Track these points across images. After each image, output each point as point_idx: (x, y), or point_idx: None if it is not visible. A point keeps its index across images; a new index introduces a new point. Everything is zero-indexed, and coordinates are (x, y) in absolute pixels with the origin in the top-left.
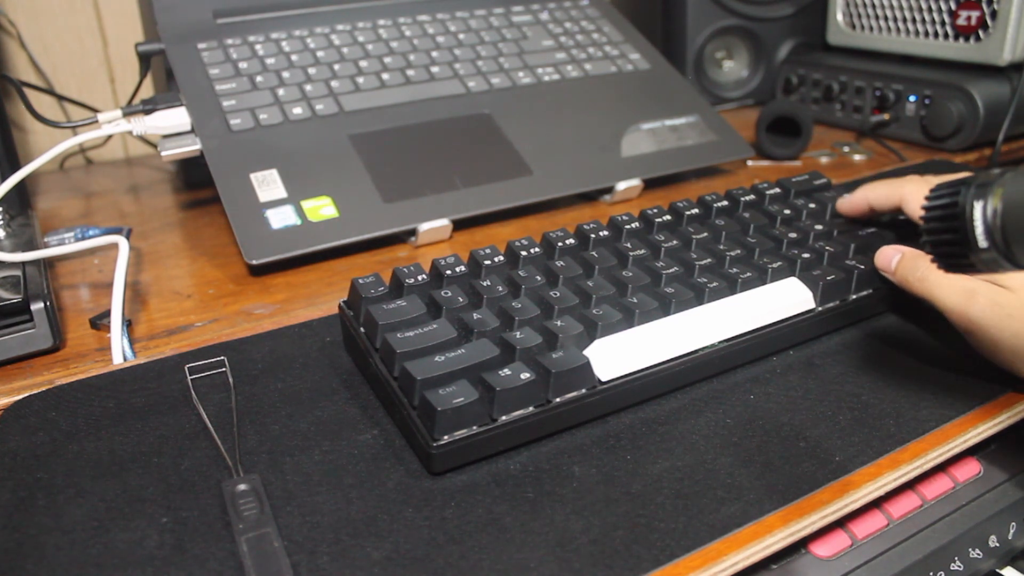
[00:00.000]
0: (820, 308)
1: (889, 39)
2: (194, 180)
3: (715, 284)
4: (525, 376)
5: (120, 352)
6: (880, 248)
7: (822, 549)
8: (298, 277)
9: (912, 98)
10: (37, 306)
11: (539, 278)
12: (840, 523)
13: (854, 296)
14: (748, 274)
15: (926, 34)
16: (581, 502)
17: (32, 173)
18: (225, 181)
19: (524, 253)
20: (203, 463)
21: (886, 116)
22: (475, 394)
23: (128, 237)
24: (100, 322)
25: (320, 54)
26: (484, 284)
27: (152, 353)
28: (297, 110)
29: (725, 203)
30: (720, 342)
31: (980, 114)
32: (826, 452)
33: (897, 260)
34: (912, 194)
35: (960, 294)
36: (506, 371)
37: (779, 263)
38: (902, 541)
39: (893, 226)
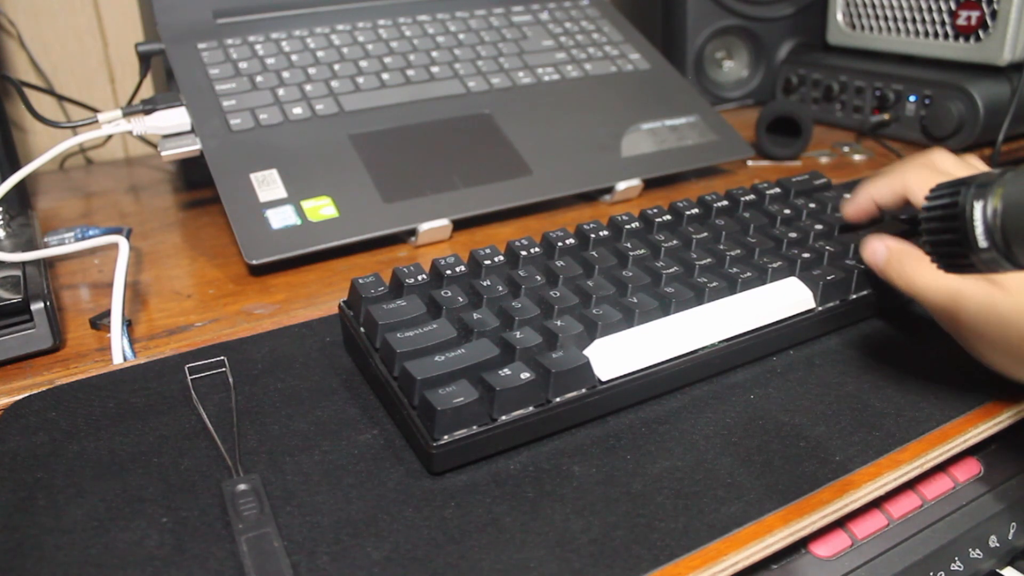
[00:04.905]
0: (820, 308)
1: (889, 39)
2: (194, 180)
3: (715, 284)
4: (525, 376)
5: (120, 352)
6: (864, 239)
7: (822, 549)
8: (298, 277)
9: (912, 98)
10: (37, 306)
11: (539, 278)
12: (840, 523)
13: (854, 296)
14: (748, 274)
15: (926, 34)
16: (581, 502)
17: (32, 173)
18: (225, 181)
19: (524, 253)
20: (203, 463)
21: (886, 116)
22: (475, 394)
23: (128, 237)
24: (100, 322)
25: (320, 54)
26: (484, 284)
27: (152, 353)
28: (297, 110)
29: (725, 203)
30: (720, 342)
31: (980, 114)
32: (826, 452)
33: (883, 255)
34: (915, 183)
35: (948, 298)
36: (506, 371)
37: (779, 263)
38: (902, 541)
39: (895, 224)
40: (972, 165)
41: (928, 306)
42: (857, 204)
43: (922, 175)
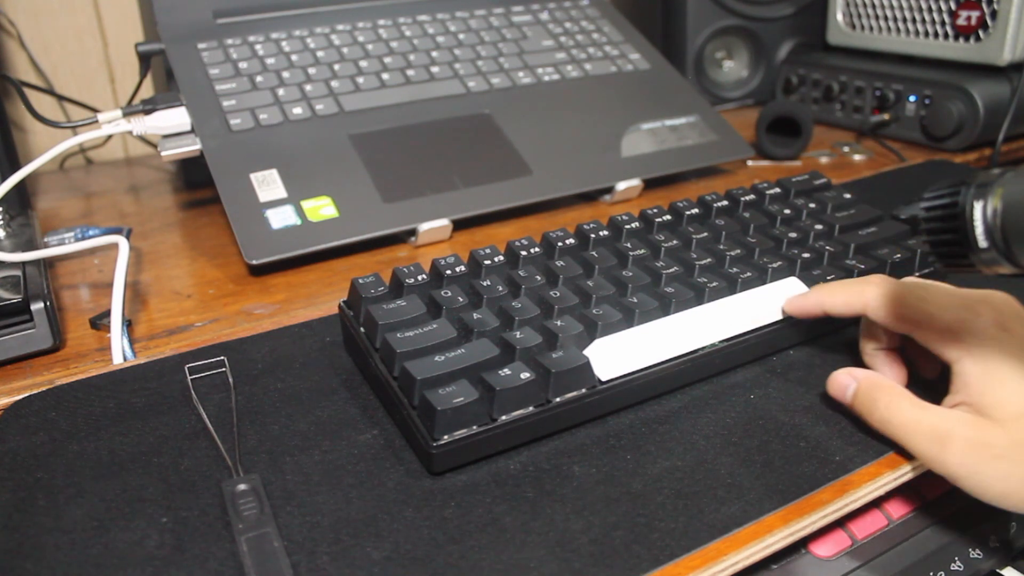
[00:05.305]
0: None
1: (889, 39)
2: (194, 180)
3: (715, 284)
4: (525, 376)
5: (120, 352)
6: (832, 374)
7: (822, 549)
8: (298, 277)
9: (912, 98)
10: (37, 306)
11: (539, 278)
12: (840, 523)
13: None
14: (748, 274)
15: (926, 34)
16: (581, 502)
17: (32, 173)
18: (225, 181)
19: (524, 253)
20: (203, 463)
21: (886, 116)
22: (475, 394)
23: (128, 237)
24: (100, 322)
25: (320, 54)
26: (484, 284)
27: (152, 353)
28: (297, 110)
29: (725, 203)
30: (720, 342)
31: (980, 114)
32: (826, 452)
33: (852, 391)
34: (876, 299)
35: (932, 440)
36: (506, 371)
37: (779, 263)
38: (902, 541)
39: (894, 224)
40: (931, 289)
41: (909, 447)
42: (804, 306)
43: (885, 291)
